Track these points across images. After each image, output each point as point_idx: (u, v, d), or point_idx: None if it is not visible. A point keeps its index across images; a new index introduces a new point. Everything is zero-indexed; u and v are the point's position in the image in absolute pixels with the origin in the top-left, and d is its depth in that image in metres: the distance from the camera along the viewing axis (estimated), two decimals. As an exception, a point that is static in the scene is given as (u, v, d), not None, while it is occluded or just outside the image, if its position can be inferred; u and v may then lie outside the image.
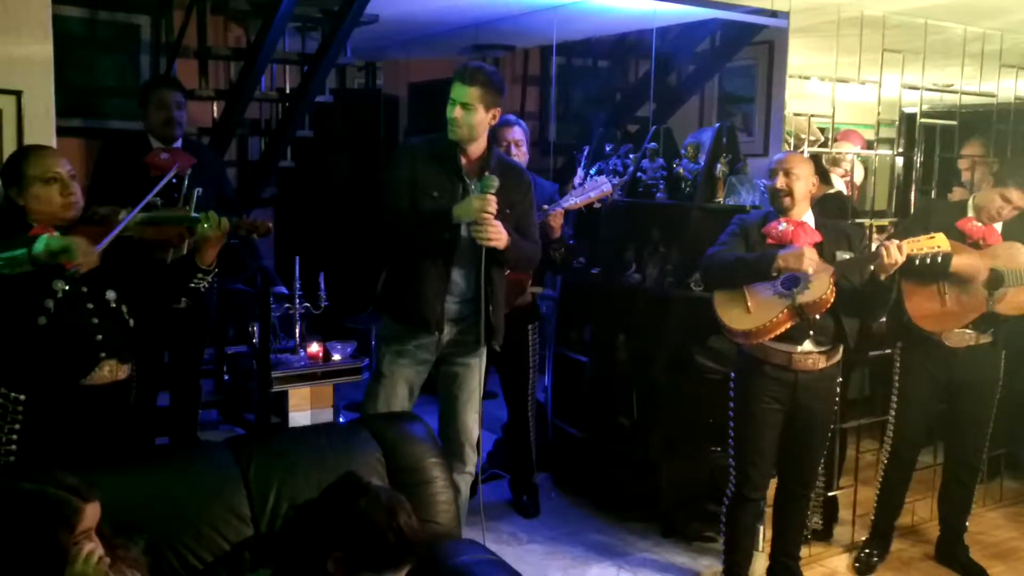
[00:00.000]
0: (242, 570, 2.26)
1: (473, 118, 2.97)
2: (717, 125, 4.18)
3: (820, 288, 3.03)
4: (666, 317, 3.97)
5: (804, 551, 3.63)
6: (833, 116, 3.80)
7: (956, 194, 4.13)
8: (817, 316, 3.10)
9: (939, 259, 3.06)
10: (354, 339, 4.05)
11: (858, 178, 4.81)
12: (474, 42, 5.80)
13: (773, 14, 3.83)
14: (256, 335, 3.83)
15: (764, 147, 5.54)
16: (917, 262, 3.04)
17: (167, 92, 3.80)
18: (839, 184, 4.32)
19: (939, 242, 3.01)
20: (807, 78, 3.78)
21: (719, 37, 5.57)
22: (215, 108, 5.13)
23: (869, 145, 4.53)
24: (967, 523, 3.86)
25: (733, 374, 3.36)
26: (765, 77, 5.71)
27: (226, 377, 4.64)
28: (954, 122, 4.13)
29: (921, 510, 4.14)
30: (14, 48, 2.95)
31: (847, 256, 3.14)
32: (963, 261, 3.38)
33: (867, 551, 3.81)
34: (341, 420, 4.01)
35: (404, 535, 2.08)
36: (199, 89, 4.76)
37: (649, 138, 4.27)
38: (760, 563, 3.58)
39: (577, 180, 4.22)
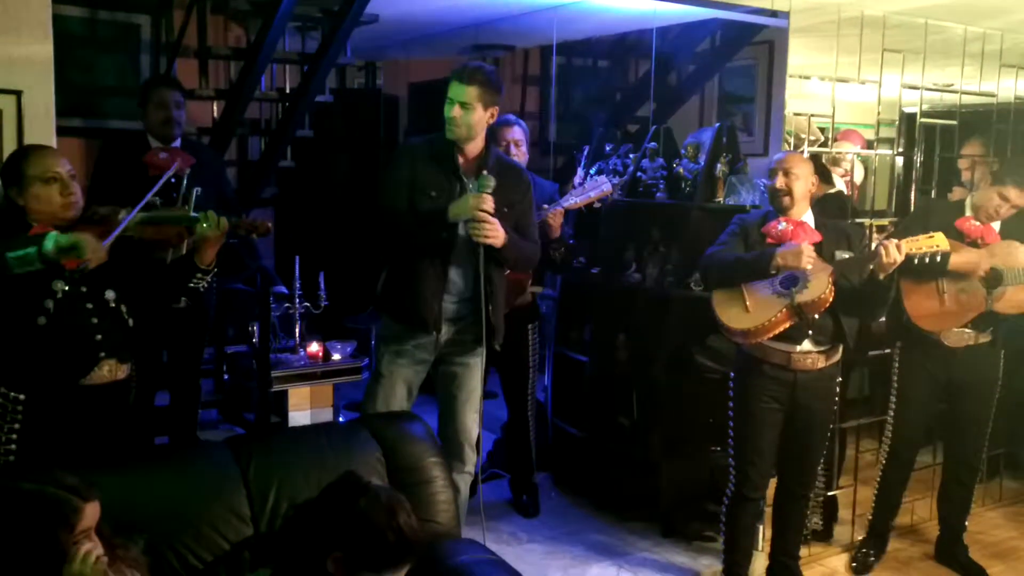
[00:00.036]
0: (242, 570, 2.26)
1: (472, 117, 2.98)
2: (717, 125, 4.18)
3: (819, 287, 3.03)
4: (666, 317, 3.97)
5: (804, 551, 3.64)
6: (833, 116, 3.80)
7: (956, 194, 4.13)
8: (816, 315, 3.10)
9: (938, 258, 3.06)
10: (354, 339, 4.05)
11: (858, 178, 4.81)
12: (474, 42, 5.80)
13: (773, 14, 3.83)
14: (256, 335, 3.83)
15: (764, 147, 5.54)
16: (916, 261, 3.04)
17: (166, 91, 3.80)
18: (839, 184, 4.32)
19: (938, 241, 3.01)
20: (807, 78, 3.78)
21: (719, 37, 5.57)
22: (215, 108, 5.13)
23: (869, 145, 4.53)
24: (966, 523, 3.86)
25: (732, 374, 3.36)
26: (765, 77, 5.71)
27: (226, 377, 4.64)
28: (954, 122, 4.14)
29: (920, 510, 4.14)
30: (14, 48, 2.95)
31: (846, 256, 3.15)
32: (962, 258, 3.38)
33: (864, 550, 3.82)
34: (341, 420, 4.01)
35: (404, 535, 2.08)
36: (199, 89, 4.76)
37: (649, 138, 4.27)
38: (760, 563, 3.58)
39: (577, 180, 4.22)
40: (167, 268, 2.67)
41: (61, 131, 3.22)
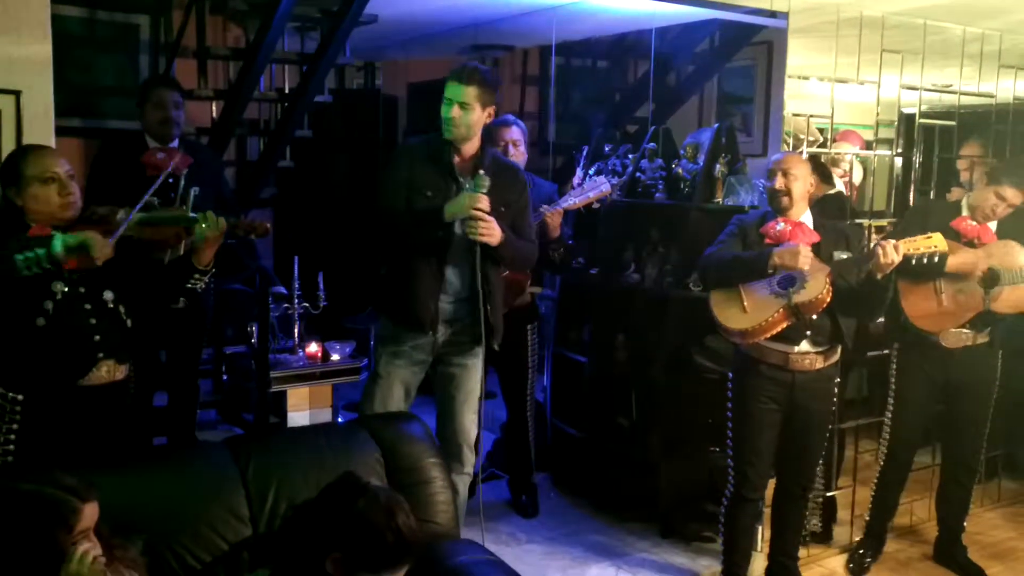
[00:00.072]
0: (240, 570, 2.26)
1: (471, 117, 3.00)
2: (716, 125, 4.18)
3: (816, 288, 3.03)
4: (665, 317, 3.97)
5: (802, 551, 3.63)
6: (832, 116, 3.80)
7: (955, 194, 4.14)
8: (814, 316, 3.10)
9: (935, 259, 3.07)
10: (353, 339, 4.05)
11: (857, 178, 4.81)
12: (473, 42, 5.80)
13: (772, 14, 3.83)
14: (255, 335, 3.82)
15: (763, 147, 5.54)
16: (914, 262, 3.04)
17: (165, 92, 3.79)
18: (839, 185, 4.32)
19: (936, 242, 3.01)
20: (806, 78, 3.78)
21: (718, 37, 5.57)
22: (214, 108, 5.13)
23: (868, 145, 4.53)
24: (965, 523, 3.86)
25: (731, 374, 3.36)
26: (764, 77, 5.71)
27: (225, 377, 4.64)
28: (953, 122, 4.13)
29: (919, 510, 4.14)
30: (13, 48, 2.95)
31: (845, 256, 3.15)
32: (959, 258, 3.38)
33: (861, 551, 3.82)
34: (340, 420, 4.01)
35: (402, 535, 2.08)
36: (198, 89, 4.76)
37: (648, 138, 4.27)
38: (758, 563, 3.58)
39: (576, 180, 4.21)
40: (165, 269, 2.67)
41: (60, 131, 3.22)
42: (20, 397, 2.47)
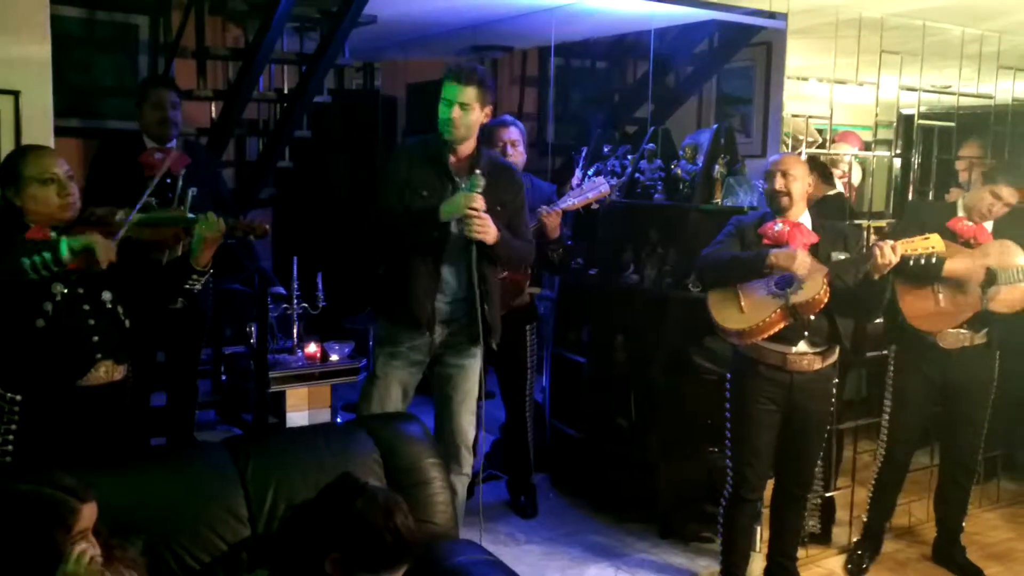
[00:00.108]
0: (239, 570, 2.26)
1: (471, 117, 3.02)
2: (715, 126, 4.18)
3: (813, 288, 3.04)
4: (664, 318, 3.97)
5: (801, 552, 3.63)
6: (831, 117, 3.80)
7: (953, 195, 4.14)
8: (811, 316, 3.10)
9: (933, 260, 3.07)
10: (352, 339, 4.05)
11: (856, 179, 4.81)
12: (472, 43, 5.80)
13: (771, 15, 3.83)
14: (254, 335, 3.83)
15: (762, 148, 5.54)
16: (912, 263, 3.04)
17: (163, 92, 3.79)
18: (838, 185, 4.33)
19: (933, 242, 3.01)
20: (805, 79, 3.78)
21: (717, 38, 5.58)
22: (213, 108, 5.13)
23: (867, 146, 4.52)
24: (964, 524, 3.86)
25: (729, 375, 3.37)
26: (763, 78, 5.71)
27: (223, 377, 4.64)
28: (952, 123, 4.14)
29: (918, 511, 4.14)
30: (12, 48, 2.95)
31: (843, 257, 3.15)
32: (956, 265, 3.39)
33: (859, 552, 3.82)
34: (339, 420, 4.01)
35: (401, 535, 2.08)
36: (197, 89, 4.76)
37: (647, 139, 4.27)
38: (757, 564, 3.58)
39: (575, 181, 4.22)
40: (163, 270, 2.67)
41: (59, 131, 3.22)
42: (18, 397, 2.47)
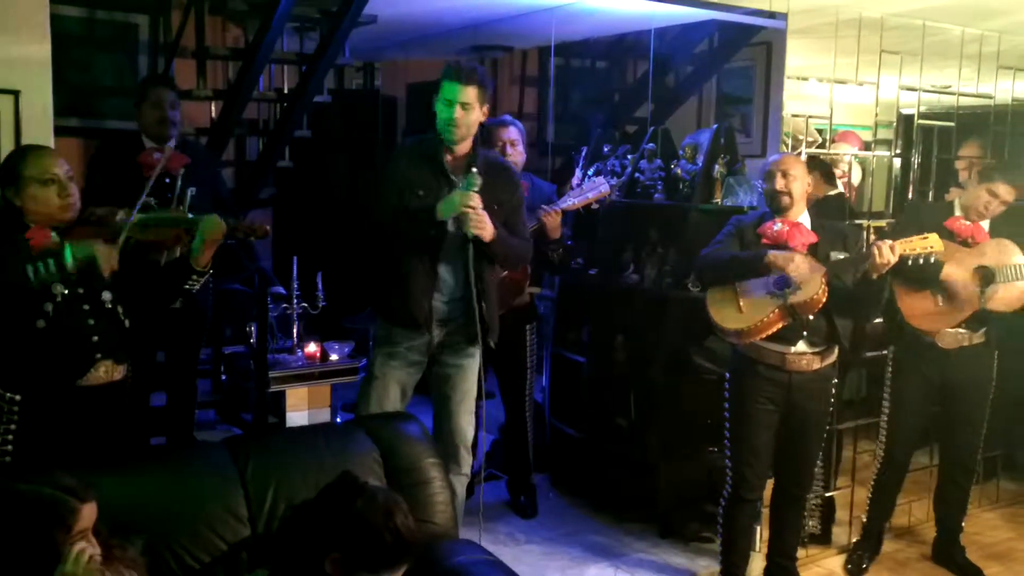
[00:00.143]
0: (239, 570, 2.26)
1: (471, 117, 3.03)
2: (715, 126, 4.18)
3: (812, 288, 3.04)
4: (664, 318, 3.97)
5: (801, 552, 3.64)
6: (831, 117, 3.80)
7: (953, 195, 4.14)
8: (810, 316, 3.11)
9: (932, 259, 3.07)
10: (352, 339, 4.05)
11: (855, 179, 4.82)
12: (472, 43, 5.80)
13: (771, 15, 3.83)
14: (253, 335, 3.82)
15: (762, 148, 5.53)
16: (910, 262, 3.04)
17: (162, 91, 3.79)
18: (839, 185, 4.33)
19: (932, 242, 3.02)
20: (805, 79, 3.78)
21: (717, 38, 5.58)
22: (213, 108, 5.13)
23: (867, 146, 4.53)
24: (963, 524, 3.86)
25: (728, 375, 3.37)
26: (763, 78, 5.71)
27: (223, 377, 4.64)
28: (951, 123, 4.14)
29: (917, 511, 4.14)
30: (12, 48, 2.95)
31: (841, 256, 3.15)
32: (952, 274, 3.40)
33: (859, 552, 3.82)
34: (338, 420, 4.01)
35: (401, 535, 2.08)
36: (197, 89, 4.76)
37: (647, 139, 4.27)
38: (757, 564, 3.59)
39: (575, 181, 4.22)
40: (162, 270, 2.67)
41: (59, 131, 3.22)
42: (18, 397, 2.47)
